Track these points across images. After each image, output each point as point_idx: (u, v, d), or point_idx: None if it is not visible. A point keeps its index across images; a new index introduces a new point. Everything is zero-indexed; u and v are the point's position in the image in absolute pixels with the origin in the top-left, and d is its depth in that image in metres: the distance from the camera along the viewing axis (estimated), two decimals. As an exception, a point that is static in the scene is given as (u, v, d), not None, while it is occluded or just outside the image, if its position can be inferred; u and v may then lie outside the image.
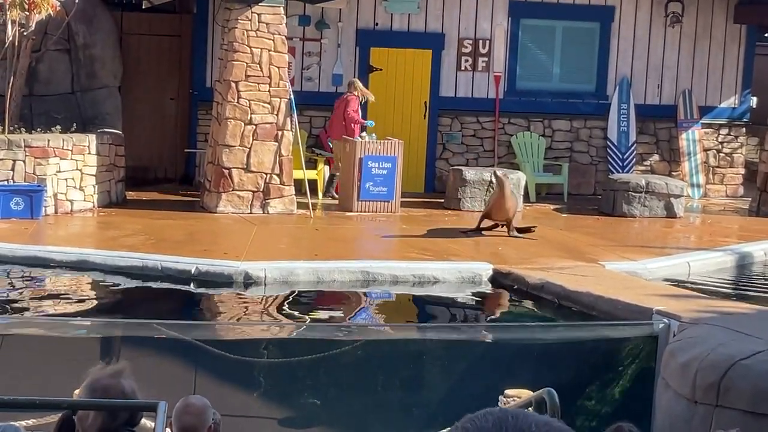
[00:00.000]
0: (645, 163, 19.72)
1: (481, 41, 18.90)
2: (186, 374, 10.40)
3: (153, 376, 9.16)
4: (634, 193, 17.23)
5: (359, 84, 17.28)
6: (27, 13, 15.45)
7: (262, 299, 12.37)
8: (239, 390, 10.44)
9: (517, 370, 10.35)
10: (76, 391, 6.97)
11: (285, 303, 12.38)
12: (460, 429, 1.70)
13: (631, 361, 10.55)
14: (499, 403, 7.91)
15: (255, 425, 10.22)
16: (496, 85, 19.04)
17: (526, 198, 17.76)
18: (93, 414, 4.20)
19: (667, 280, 12.90)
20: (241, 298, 12.29)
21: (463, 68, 18.78)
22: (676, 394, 7.95)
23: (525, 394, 7.88)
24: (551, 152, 19.24)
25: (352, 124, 16.83)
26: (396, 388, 10.64)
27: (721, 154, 20.10)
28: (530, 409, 4.80)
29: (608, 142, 19.44)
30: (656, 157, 19.79)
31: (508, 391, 8.23)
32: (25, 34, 15.79)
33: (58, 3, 15.70)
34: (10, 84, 15.70)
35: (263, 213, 15.94)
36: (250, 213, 15.89)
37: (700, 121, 19.70)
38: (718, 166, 20.10)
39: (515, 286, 12.44)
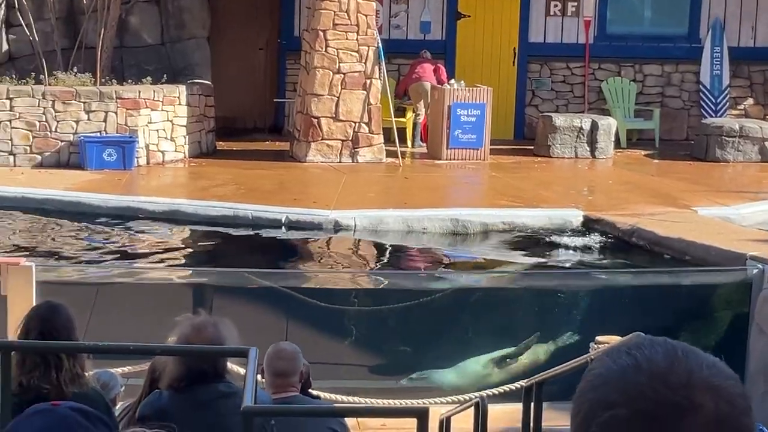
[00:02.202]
0: (739, 107, 19.36)
1: (571, -15, 18.65)
2: (277, 322, 10.49)
3: (244, 325, 9.26)
4: (727, 138, 16.95)
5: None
6: (116, -35, 15.58)
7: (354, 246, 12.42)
8: (330, 338, 10.51)
9: (608, 317, 10.29)
10: (171, 338, 7.09)
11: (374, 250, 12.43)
12: (623, 354, 1.65)
13: (724, 307, 10.43)
14: (589, 350, 7.87)
15: (345, 372, 10.29)
16: (586, 29, 18.79)
17: (617, 144, 17.57)
18: (171, 365, 4.26)
19: (761, 225, 12.70)
20: (330, 245, 12.36)
21: (552, 13, 18.54)
22: (770, 340, 7.84)
23: (615, 341, 7.83)
24: (642, 97, 18.97)
25: None
26: (486, 335, 10.64)
27: (817, 96, 19.67)
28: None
29: (701, 86, 19.11)
30: (750, 100, 19.42)
31: (599, 338, 8.19)
32: (115, -14, 15.93)
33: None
34: (101, 36, 15.86)
35: (352, 162, 15.96)
36: (339, 162, 15.92)
37: (796, 63, 19.28)
38: (814, 109, 19.68)
39: (606, 232, 12.34)
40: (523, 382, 6.57)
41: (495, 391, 8.02)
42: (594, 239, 12.40)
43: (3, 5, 16.70)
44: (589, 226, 12.66)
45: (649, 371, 1.59)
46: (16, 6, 16.34)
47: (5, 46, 16.83)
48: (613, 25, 18.91)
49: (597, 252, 12.28)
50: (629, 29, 18.94)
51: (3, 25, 16.80)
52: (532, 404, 5.81)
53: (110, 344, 3.90)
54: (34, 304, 7.16)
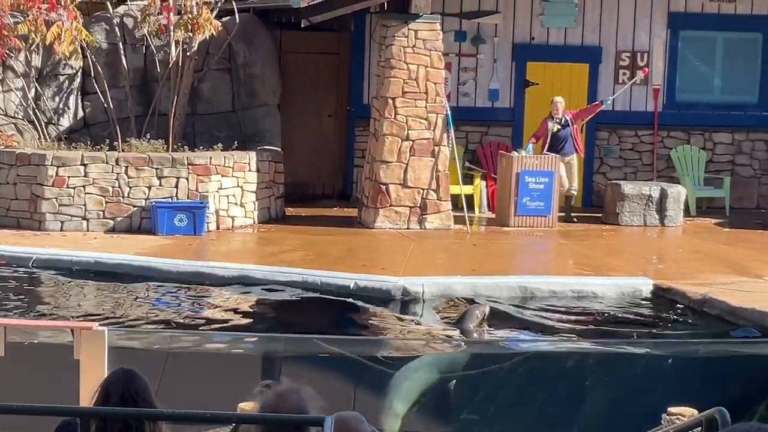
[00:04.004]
0: (810, 175, 19.18)
1: (639, 53, 18.66)
2: (344, 389, 10.49)
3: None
4: (799, 207, 16.79)
5: (556, 103, 17.02)
6: (190, 33, 15.84)
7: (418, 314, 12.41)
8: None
9: (679, 387, 10.17)
10: (241, 404, 7.10)
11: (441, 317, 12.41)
12: None
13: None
14: (662, 422, 7.79)
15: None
16: (655, 97, 18.77)
17: (687, 212, 17.46)
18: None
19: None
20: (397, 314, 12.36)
21: (620, 81, 18.53)
22: None
23: (688, 412, 7.74)
24: (712, 165, 18.87)
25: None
26: (555, 403, 10.56)
27: None
28: (700, 429, 4.72)
29: (772, 155, 18.98)
30: (822, 169, 19.24)
31: (671, 409, 8.09)
32: (188, 54, 16.19)
33: (220, 23, 16.06)
34: (174, 103, 16.11)
35: (420, 228, 16.01)
36: (408, 228, 15.97)
37: None
38: None
39: (676, 302, 12.24)
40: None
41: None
42: (664, 308, 12.29)
43: (79, 73, 17.04)
44: (659, 294, 12.56)
45: None
46: (92, 74, 16.67)
47: (80, 113, 17.16)
48: (683, 93, 18.86)
49: (667, 321, 12.17)
50: (699, 97, 18.89)
51: (79, 93, 17.14)
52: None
53: (187, 411, 3.94)
54: (105, 368, 7.23)
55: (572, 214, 17.01)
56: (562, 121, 16.78)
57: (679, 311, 12.12)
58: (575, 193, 17.18)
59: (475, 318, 11.60)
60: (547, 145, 16.73)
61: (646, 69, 18.13)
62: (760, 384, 10.33)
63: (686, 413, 7.62)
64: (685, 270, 13.63)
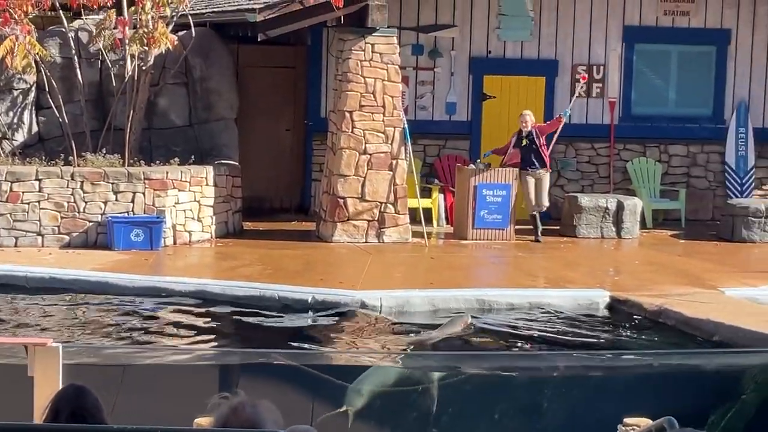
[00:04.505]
0: (764, 187, 19.35)
1: (595, 67, 18.77)
2: (303, 403, 10.45)
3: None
4: (753, 218, 16.93)
5: (524, 117, 16.88)
6: (146, 48, 15.77)
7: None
8: (357, 419, 10.46)
9: (635, 398, 10.20)
10: (197, 419, 7.06)
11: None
12: None
13: (754, 389, 10.33)
14: (617, 432, 7.80)
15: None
16: (611, 110, 18.89)
17: (643, 224, 17.57)
18: None
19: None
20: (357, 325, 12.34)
21: (577, 94, 18.64)
22: (800, 423, 7.77)
23: (644, 422, 7.76)
24: (668, 178, 19.00)
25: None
26: (510, 416, 10.57)
27: (843, 177, 19.65)
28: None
29: (726, 167, 19.13)
30: (776, 181, 19.42)
31: (626, 420, 8.12)
32: (144, 68, 16.12)
33: (176, 37, 16.01)
34: (130, 118, 16.03)
35: (378, 242, 16.01)
36: (366, 242, 15.97)
37: (822, 144, 19.28)
38: (841, 190, 19.64)
39: (632, 313, 12.29)
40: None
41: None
42: (620, 320, 12.34)
43: (34, 88, 16.93)
44: (615, 306, 12.61)
45: None
46: (47, 89, 16.56)
47: (35, 128, 17.04)
48: (638, 107, 19.00)
49: (623, 333, 12.22)
50: (654, 110, 19.03)
51: (33, 107, 17.02)
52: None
53: (138, 427, 3.91)
54: (60, 385, 7.17)
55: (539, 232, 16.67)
56: (530, 134, 16.75)
57: (635, 323, 12.17)
58: (543, 209, 16.92)
59: (457, 326, 11.65)
60: (518, 159, 16.72)
61: (585, 76, 18.19)
62: (711, 395, 10.38)
63: (641, 423, 7.65)
64: (642, 282, 13.71)
